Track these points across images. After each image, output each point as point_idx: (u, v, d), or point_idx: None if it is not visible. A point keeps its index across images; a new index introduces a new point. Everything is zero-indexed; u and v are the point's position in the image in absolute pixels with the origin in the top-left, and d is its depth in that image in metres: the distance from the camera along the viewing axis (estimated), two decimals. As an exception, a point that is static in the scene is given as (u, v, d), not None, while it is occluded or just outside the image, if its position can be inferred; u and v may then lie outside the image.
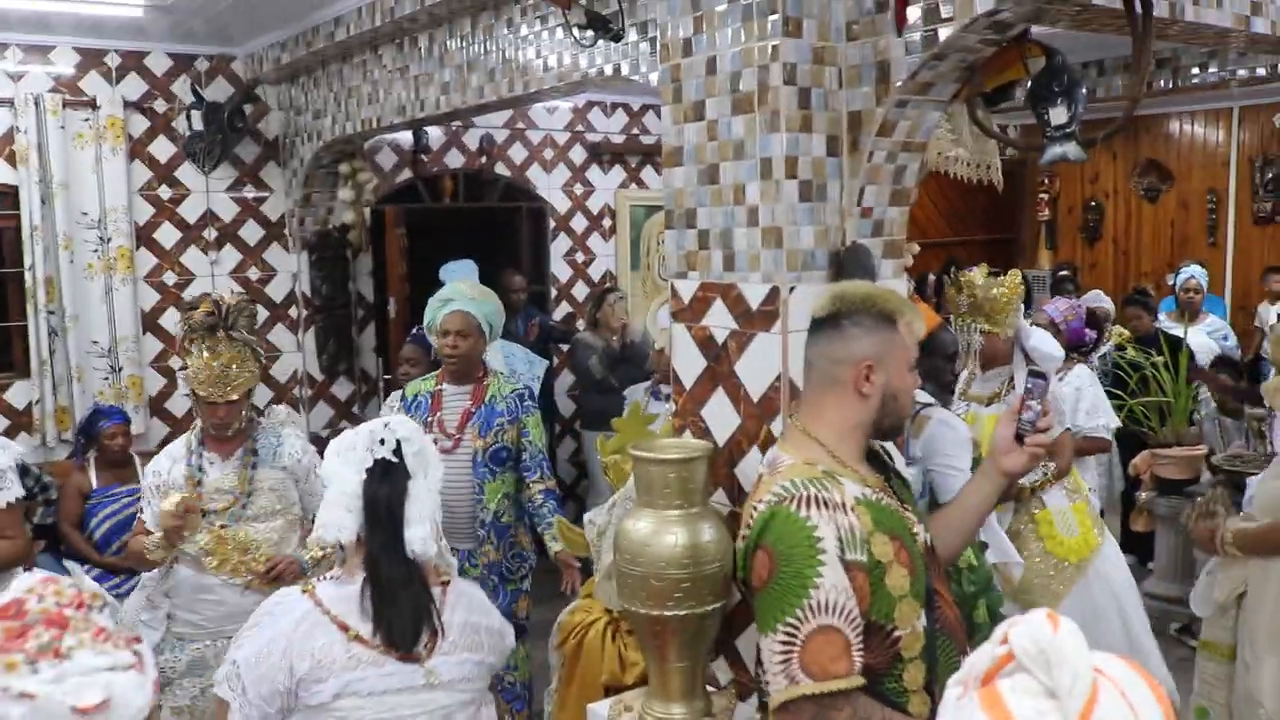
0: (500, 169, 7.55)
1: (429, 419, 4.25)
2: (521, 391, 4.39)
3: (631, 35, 3.52)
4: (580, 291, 7.92)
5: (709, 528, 2.93)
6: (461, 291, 4.34)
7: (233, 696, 2.20)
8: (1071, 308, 5.39)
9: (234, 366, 3.58)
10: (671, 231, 3.20)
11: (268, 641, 2.24)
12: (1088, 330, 5.33)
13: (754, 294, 2.93)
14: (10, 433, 6.01)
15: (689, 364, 3.17)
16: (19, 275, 6.02)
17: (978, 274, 4.20)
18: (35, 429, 6.05)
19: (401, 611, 2.27)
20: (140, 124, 6.28)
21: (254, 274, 6.71)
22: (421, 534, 2.27)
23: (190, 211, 6.49)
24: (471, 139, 7.37)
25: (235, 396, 3.60)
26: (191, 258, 6.51)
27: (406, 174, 7.20)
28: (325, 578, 2.38)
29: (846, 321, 2.28)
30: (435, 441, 4.13)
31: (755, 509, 2.22)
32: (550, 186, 7.76)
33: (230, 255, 6.63)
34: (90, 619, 1.24)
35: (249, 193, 6.65)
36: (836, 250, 2.92)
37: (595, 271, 8.01)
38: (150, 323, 6.38)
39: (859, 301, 2.29)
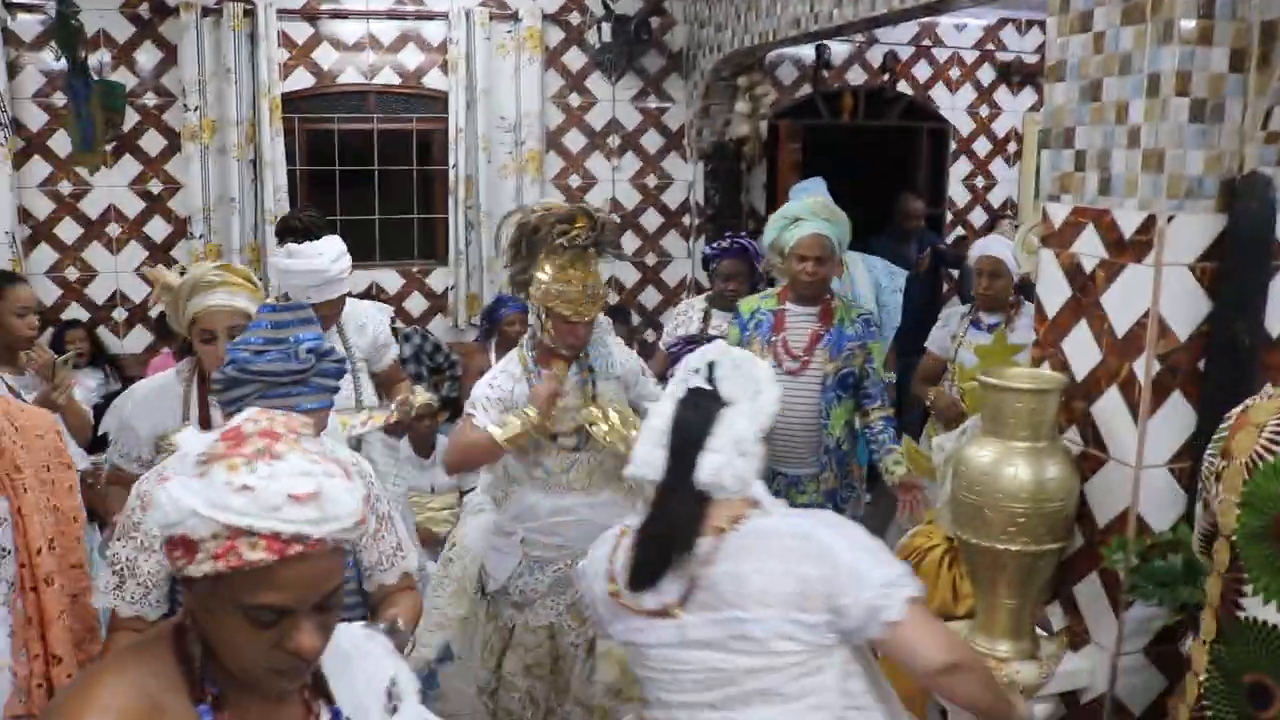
0: (903, 87, 7.37)
1: (771, 339, 4.12)
2: (868, 316, 4.24)
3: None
4: (978, 218, 7.62)
5: (1055, 465, 2.79)
6: (814, 210, 4.14)
7: None
8: None
9: (598, 284, 3.35)
10: (1048, 152, 3.02)
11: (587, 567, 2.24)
12: None
13: (1128, 221, 2.72)
14: (428, 314, 6.69)
15: (1054, 293, 3.00)
16: (444, 173, 6.61)
17: None
18: (449, 312, 6.70)
19: (647, 555, 2.05)
20: (555, 35, 6.67)
21: (651, 181, 6.98)
22: (716, 461, 2.01)
23: (596, 119, 6.84)
24: (875, 56, 7.23)
25: (596, 314, 3.38)
26: (595, 163, 6.87)
27: (806, 89, 7.18)
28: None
29: None
30: (779, 363, 4.05)
31: None
32: (954, 107, 7.48)
33: (630, 162, 6.94)
34: (301, 440, 1.39)
35: (651, 103, 6.90)
36: (1231, 178, 2.64)
37: (995, 198, 7.67)
38: (556, 221, 6.82)
39: None
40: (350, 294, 4.37)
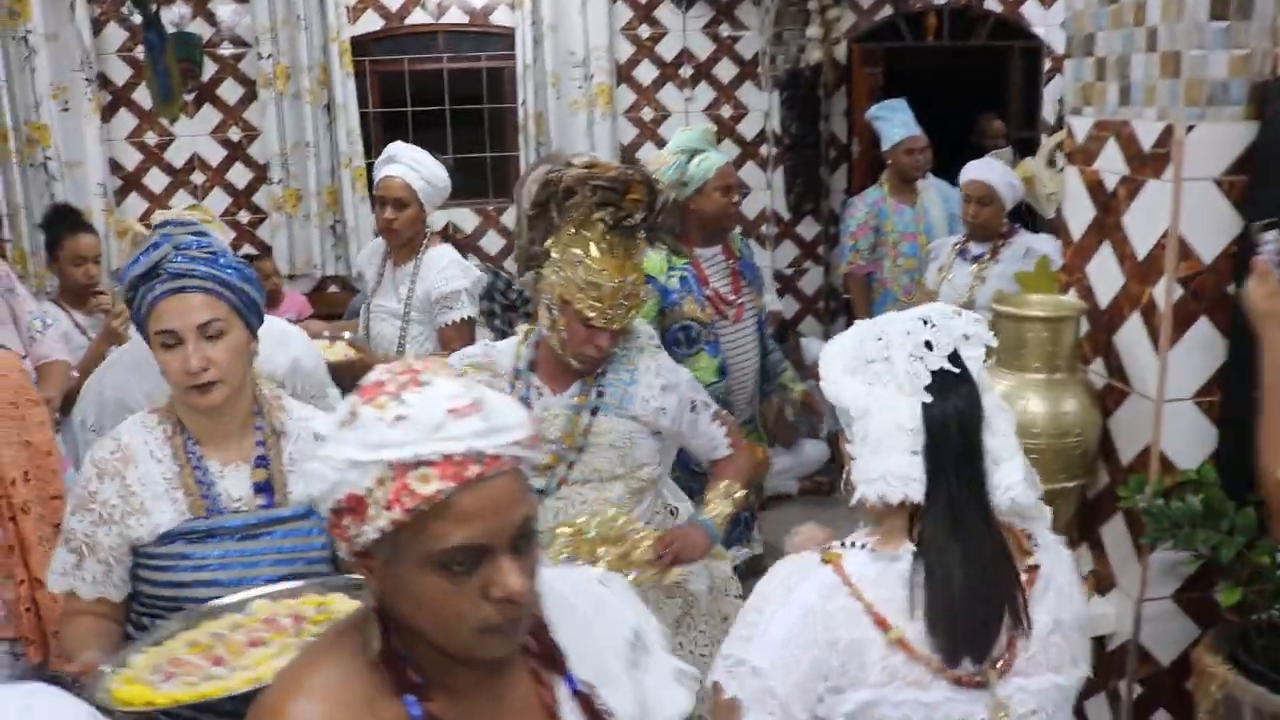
0: (991, 4, 6.98)
1: (707, 293, 3.65)
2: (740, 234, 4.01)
3: None
4: (1078, 139, 7.22)
5: (1072, 398, 2.63)
6: (707, 139, 3.82)
7: (746, 695, 1.53)
8: None
9: (639, 283, 2.58)
10: (1070, 61, 2.80)
11: (795, 619, 1.54)
12: None
13: (1147, 133, 2.49)
14: (503, 253, 6.67)
15: (1078, 214, 2.81)
16: (514, 110, 6.56)
17: None
18: (522, 252, 6.66)
19: (972, 606, 1.50)
20: (624, -36, 6.52)
21: (726, 112, 6.80)
22: (1015, 477, 1.55)
23: (668, 50, 6.68)
24: (962, -29, 6.87)
25: (629, 321, 2.62)
26: (667, 95, 6.72)
27: (888, 11, 6.87)
28: (854, 544, 1.62)
29: None
30: (723, 316, 3.67)
31: None
32: (1049, 22, 7.04)
33: (704, 93, 6.76)
34: (443, 369, 1.26)
35: (724, 31, 6.70)
36: (1262, 82, 2.40)
37: (1098, 117, 7.24)
38: (627, 156, 6.70)
39: None
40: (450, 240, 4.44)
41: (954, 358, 1.56)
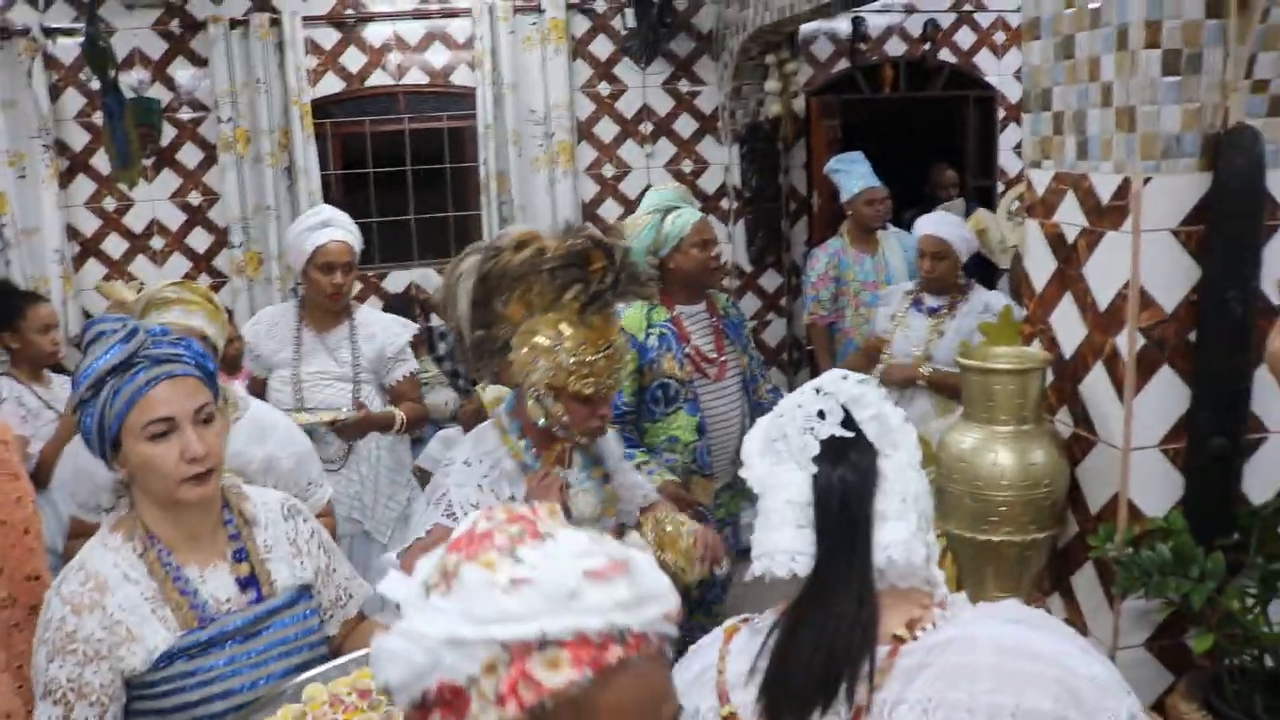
0: (946, 56, 7.11)
1: (687, 350, 3.61)
2: (725, 294, 3.97)
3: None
4: (1033, 187, 7.32)
5: (1040, 449, 2.64)
6: (682, 196, 3.77)
7: None
8: None
9: (621, 341, 2.52)
10: (1028, 115, 2.84)
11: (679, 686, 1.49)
12: None
13: (1105, 186, 2.53)
14: (467, 313, 6.64)
15: (1040, 266, 2.83)
16: (475, 170, 6.57)
17: None
18: (487, 310, 6.65)
19: (801, 673, 1.46)
20: (581, 24, 6.57)
21: (687, 166, 6.84)
22: (900, 533, 1.47)
23: (627, 107, 6.72)
24: (915, 25, 6.98)
25: (622, 381, 2.61)
26: (628, 151, 6.76)
27: (845, 64, 6.97)
28: (753, 617, 1.63)
29: None
30: (704, 375, 3.61)
31: None
32: (1002, 72, 7.19)
33: (665, 148, 6.80)
34: (558, 518, 1.00)
35: (683, 86, 6.75)
36: (1214, 134, 2.44)
37: (1052, 165, 7.36)
38: (589, 212, 6.73)
39: None
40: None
41: (849, 422, 1.54)
